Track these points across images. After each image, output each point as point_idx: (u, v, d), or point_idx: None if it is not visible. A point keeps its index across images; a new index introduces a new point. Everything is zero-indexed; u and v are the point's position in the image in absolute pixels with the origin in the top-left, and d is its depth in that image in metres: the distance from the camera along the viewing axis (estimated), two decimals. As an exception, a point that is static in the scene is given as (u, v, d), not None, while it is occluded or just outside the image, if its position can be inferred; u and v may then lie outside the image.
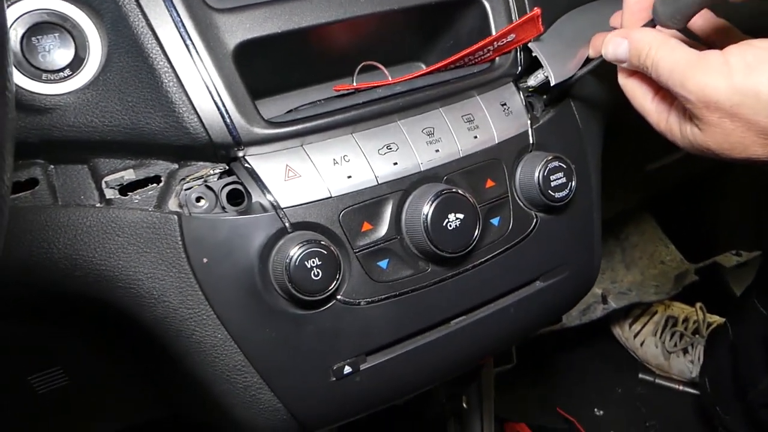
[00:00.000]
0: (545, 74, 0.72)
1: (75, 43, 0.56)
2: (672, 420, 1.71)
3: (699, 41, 0.68)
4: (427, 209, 0.63)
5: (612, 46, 0.65)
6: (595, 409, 1.74)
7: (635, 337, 1.84)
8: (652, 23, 0.64)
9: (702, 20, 0.68)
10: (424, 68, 0.79)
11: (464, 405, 1.22)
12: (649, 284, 1.80)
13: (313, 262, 0.58)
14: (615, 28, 0.71)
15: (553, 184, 0.70)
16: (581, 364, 1.82)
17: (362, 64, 0.72)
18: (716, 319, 1.76)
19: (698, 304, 1.78)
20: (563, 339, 1.75)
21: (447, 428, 1.29)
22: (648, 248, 1.87)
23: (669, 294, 1.76)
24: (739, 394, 1.43)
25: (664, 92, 0.64)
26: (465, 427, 1.25)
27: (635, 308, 1.85)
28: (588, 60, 0.73)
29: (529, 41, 0.71)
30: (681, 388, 1.77)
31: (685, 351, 1.77)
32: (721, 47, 0.58)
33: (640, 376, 1.82)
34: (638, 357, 1.84)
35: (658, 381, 1.80)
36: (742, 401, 1.42)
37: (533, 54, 0.72)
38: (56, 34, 0.56)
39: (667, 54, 0.60)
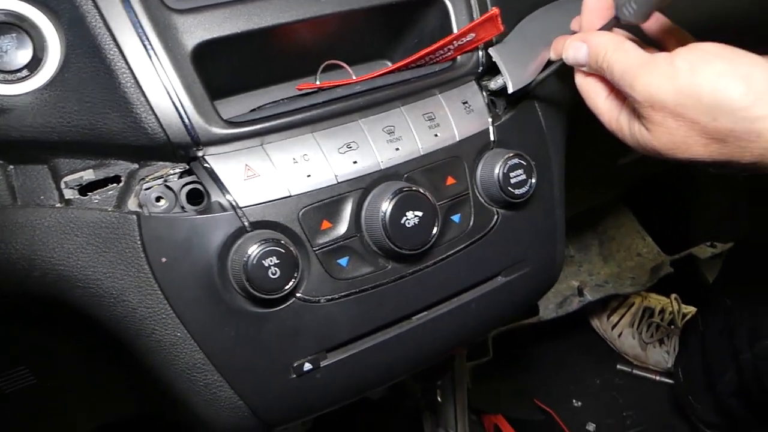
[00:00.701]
0: (504, 80, 0.73)
1: (33, 44, 0.56)
2: (649, 410, 1.74)
3: (653, 45, 0.69)
4: (386, 207, 0.64)
5: (572, 50, 0.67)
6: (574, 401, 1.76)
7: (613, 328, 1.86)
8: (609, 25, 0.66)
9: (656, 25, 0.70)
10: (389, 66, 0.79)
11: (438, 398, 1.23)
12: (625, 276, 1.82)
13: (271, 260, 0.59)
14: (575, 31, 0.72)
15: (512, 181, 0.71)
16: (559, 356, 1.84)
17: (325, 62, 0.73)
18: (691, 310, 1.79)
19: (673, 295, 1.80)
20: (541, 332, 1.77)
21: (422, 421, 1.30)
22: (625, 241, 1.89)
23: (645, 286, 1.78)
24: (709, 384, 1.45)
25: (616, 92, 0.65)
26: (440, 420, 1.26)
27: (612, 300, 1.87)
28: (549, 62, 0.74)
29: (491, 39, 0.72)
30: (658, 378, 1.80)
31: (661, 342, 1.79)
32: (672, 50, 0.60)
33: (618, 366, 1.84)
34: (616, 348, 1.86)
35: (635, 371, 1.82)
36: (712, 391, 1.44)
37: (493, 59, 0.73)
38: (14, 35, 0.56)
39: (622, 56, 0.61)
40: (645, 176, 1.65)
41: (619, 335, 1.86)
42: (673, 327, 1.77)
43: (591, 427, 1.69)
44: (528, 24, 0.78)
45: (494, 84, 0.74)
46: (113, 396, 0.95)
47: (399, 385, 1.28)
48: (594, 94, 0.67)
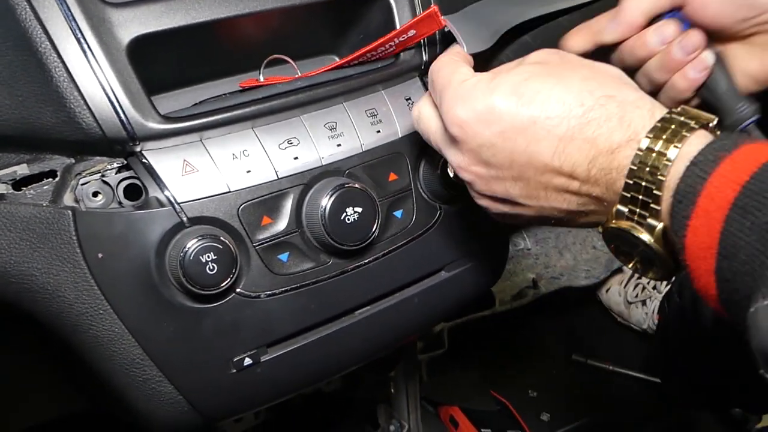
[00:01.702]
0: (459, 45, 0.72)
1: (-40, 36, 0.55)
2: (602, 399, 1.77)
3: None
4: (325, 203, 0.64)
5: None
6: (529, 391, 1.78)
7: (603, 282, 1.90)
8: None
9: None
10: (337, 61, 0.80)
11: (392, 390, 1.25)
12: (580, 269, 1.85)
13: (209, 256, 0.59)
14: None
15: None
16: (515, 347, 1.87)
17: (269, 58, 0.72)
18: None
19: None
20: (496, 323, 1.79)
21: (377, 413, 1.32)
22: (581, 234, 1.92)
23: (599, 278, 1.82)
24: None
25: None
26: (394, 411, 1.27)
27: None
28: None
29: (433, 35, 0.72)
30: (611, 368, 1.83)
31: (643, 302, 1.83)
32: None
33: (573, 357, 1.87)
34: (603, 301, 1.90)
35: (590, 362, 1.86)
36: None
37: (446, 30, 0.72)
38: (-60, 26, 0.55)
39: None
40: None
41: (608, 290, 1.90)
42: (655, 291, 1.81)
43: (545, 416, 1.72)
44: (480, 5, 0.78)
45: None
46: (52, 393, 0.94)
47: (353, 377, 1.29)
48: None
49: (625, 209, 0.51)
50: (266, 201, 0.65)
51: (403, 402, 1.21)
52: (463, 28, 0.72)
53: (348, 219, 0.65)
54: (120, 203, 0.61)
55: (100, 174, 0.61)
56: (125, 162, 0.62)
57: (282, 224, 0.65)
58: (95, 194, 0.61)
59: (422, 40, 0.72)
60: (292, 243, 0.66)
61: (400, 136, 0.72)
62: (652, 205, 0.49)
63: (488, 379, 1.76)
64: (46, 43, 0.56)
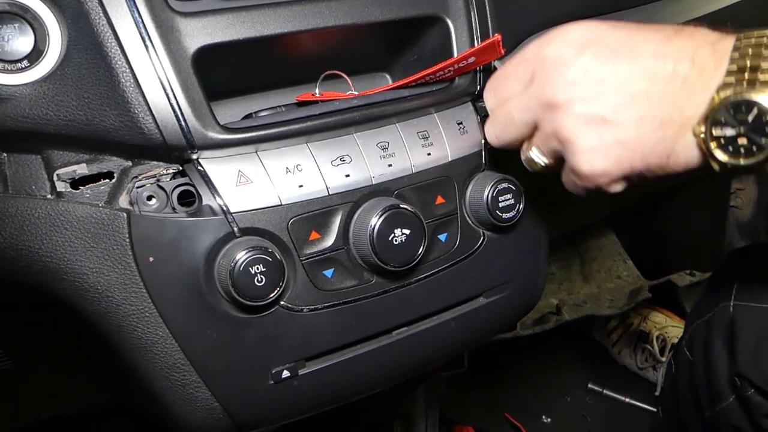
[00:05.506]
0: None
1: (35, 36, 0.56)
2: (615, 430, 1.76)
3: None
4: (375, 223, 0.64)
5: None
6: (543, 417, 1.78)
7: (613, 345, 1.89)
8: None
9: None
10: (388, 78, 0.80)
11: (411, 407, 1.24)
12: (604, 298, 1.83)
13: (258, 268, 0.60)
14: None
15: (501, 204, 0.72)
16: (532, 371, 1.86)
17: (326, 73, 0.73)
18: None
19: (669, 324, 1.81)
20: (516, 346, 1.78)
21: (393, 428, 1.31)
22: (606, 262, 1.91)
23: (622, 309, 1.80)
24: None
25: None
26: (411, 428, 1.27)
27: (612, 319, 1.88)
28: None
29: (489, 63, 0.73)
30: (627, 400, 1.82)
31: (654, 368, 1.81)
32: None
33: (589, 386, 1.86)
34: (618, 362, 1.88)
35: (606, 392, 1.84)
36: None
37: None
38: (16, 25, 0.56)
39: None
40: (634, 199, 1.67)
41: (620, 353, 1.88)
42: (663, 357, 1.78)
43: (557, 443, 1.71)
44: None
45: None
46: (82, 385, 0.94)
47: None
48: None
49: (732, 78, 0.55)
50: (316, 216, 0.65)
51: (422, 421, 1.21)
52: None
53: (395, 240, 0.65)
54: (174, 209, 0.62)
55: (155, 179, 0.62)
56: (181, 168, 0.63)
57: (329, 240, 0.66)
58: (149, 198, 0.61)
59: (478, 67, 0.72)
60: (338, 260, 0.67)
61: (449, 159, 0.72)
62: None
63: (504, 402, 1.75)
64: (116, 48, 0.57)
